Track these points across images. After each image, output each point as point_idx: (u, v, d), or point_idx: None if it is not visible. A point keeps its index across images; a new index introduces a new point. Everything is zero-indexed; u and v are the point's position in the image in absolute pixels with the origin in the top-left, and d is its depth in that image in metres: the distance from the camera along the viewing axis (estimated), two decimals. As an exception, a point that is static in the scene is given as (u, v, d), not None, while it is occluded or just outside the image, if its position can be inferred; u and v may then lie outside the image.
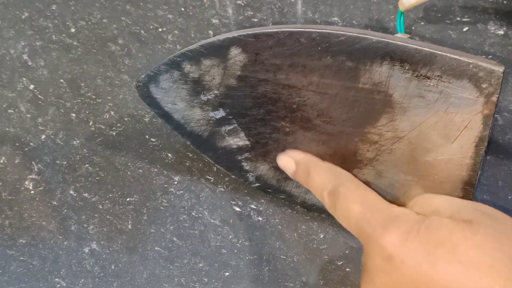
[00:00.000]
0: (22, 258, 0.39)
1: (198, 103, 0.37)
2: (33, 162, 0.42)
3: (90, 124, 0.43)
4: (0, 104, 0.45)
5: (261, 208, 0.40)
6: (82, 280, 0.38)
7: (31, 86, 0.45)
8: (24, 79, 0.45)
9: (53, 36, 0.47)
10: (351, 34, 0.33)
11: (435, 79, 0.32)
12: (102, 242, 0.39)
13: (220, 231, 0.39)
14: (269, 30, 0.34)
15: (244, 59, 0.35)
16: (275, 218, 0.40)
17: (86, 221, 0.40)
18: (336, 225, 0.39)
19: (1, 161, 0.43)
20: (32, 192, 0.41)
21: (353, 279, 0.37)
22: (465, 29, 0.44)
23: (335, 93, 0.34)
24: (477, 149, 0.33)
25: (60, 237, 0.40)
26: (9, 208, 0.41)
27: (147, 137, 0.43)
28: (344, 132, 0.35)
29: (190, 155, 0.42)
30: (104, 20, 0.47)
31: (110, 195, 0.41)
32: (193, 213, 0.40)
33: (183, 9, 0.47)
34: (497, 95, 0.31)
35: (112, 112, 0.44)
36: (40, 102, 0.44)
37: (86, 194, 0.41)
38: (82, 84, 0.45)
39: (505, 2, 0.44)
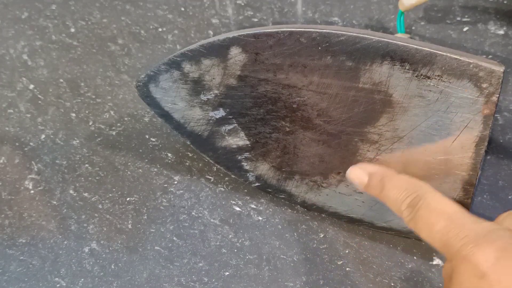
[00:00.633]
0: (22, 258, 0.39)
1: (198, 103, 0.37)
2: (32, 162, 0.42)
3: (90, 124, 0.43)
4: (0, 104, 0.45)
5: (261, 208, 0.40)
6: (82, 279, 0.38)
7: (31, 86, 0.45)
8: (24, 79, 0.45)
9: (53, 36, 0.47)
10: (351, 34, 0.33)
11: (436, 79, 0.32)
12: (102, 242, 0.39)
13: (220, 231, 0.39)
14: (269, 30, 0.34)
15: (244, 59, 0.35)
16: (275, 218, 0.40)
17: (86, 221, 0.40)
18: (336, 225, 0.39)
19: (1, 161, 0.43)
20: (32, 191, 0.41)
21: (353, 279, 0.37)
22: (465, 29, 0.44)
23: (335, 93, 0.34)
24: (477, 149, 0.33)
25: (60, 236, 0.40)
26: (9, 208, 0.41)
27: (147, 137, 0.43)
28: (344, 131, 0.35)
29: (190, 155, 0.42)
30: (104, 20, 0.47)
31: (110, 194, 0.41)
32: (193, 213, 0.40)
33: (183, 9, 0.47)
34: (497, 95, 0.31)
35: (112, 112, 0.44)
36: (40, 102, 0.44)
37: (86, 194, 0.41)
38: (82, 84, 0.45)
39: (505, 2, 0.44)
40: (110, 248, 0.39)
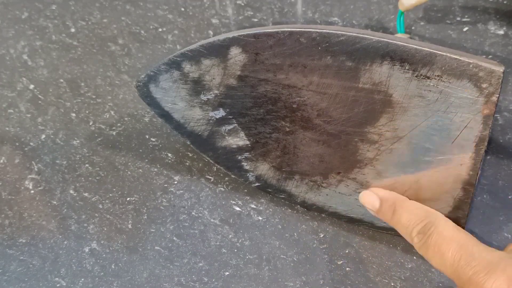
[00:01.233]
0: (22, 258, 0.39)
1: (198, 103, 0.37)
2: (33, 161, 0.42)
3: (90, 124, 0.43)
4: (0, 104, 0.45)
5: (261, 208, 0.40)
6: (82, 279, 0.38)
7: (31, 86, 0.45)
8: (24, 79, 0.45)
9: (53, 36, 0.47)
10: (351, 34, 0.33)
11: (435, 79, 0.32)
12: (102, 242, 0.39)
13: (220, 231, 0.39)
14: (269, 30, 0.34)
15: (244, 59, 0.35)
16: (275, 217, 0.40)
17: (86, 221, 0.40)
18: (336, 225, 0.39)
19: (1, 161, 0.43)
20: (32, 191, 0.41)
21: (353, 279, 0.37)
22: (465, 29, 0.44)
23: (335, 93, 0.34)
24: (477, 149, 0.33)
25: (60, 236, 0.40)
26: (9, 208, 0.41)
27: (147, 137, 0.43)
28: (344, 132, 0.35)
29: (190, 155, 0.42)
30: (104, 20, 0.47)
31: (110, 194, 0.41)
32: (193, 213, 0.40)
33: (183, 9, 0.47)
34: (497, 95, 0.31)
35: (112, 112, 0.44)
36: (40, 102, 0.44)
37: (86, 194, 0.41)
38: (82, 84, 0.45)
39: (505, 2, 0.44)
40: (110, 248, 0.39)
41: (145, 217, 0.40)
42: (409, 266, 0.37)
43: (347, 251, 0.38)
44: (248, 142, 0.38)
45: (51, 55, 0.46)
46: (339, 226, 0.39)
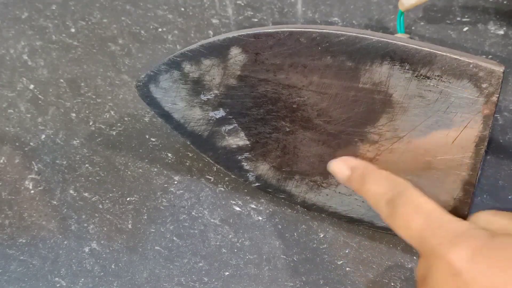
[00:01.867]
0: (22, 258, 0.39)
1: (198, 103, 0.37)
2: (33, 162, 0.42)
3: (90, 124, 0.43)
4: (0, 104, 0.45)
5: (261, 208, 0.40)
6: (82, 279, 0.38)
7: (31, 86, 0.45)
8: (24, 79, 0.45)
9: (53, 36, 0.47)
10: (351, 34, 0.33)
11: (435, 79, 0.32)
12: (102, 242, 0.39)
13: (220, 231, 0.39)
14: (269, 30, 0.34)
15: (244, 59, 0.35)
16: (275, 218, 0.40)
17: (86, 221, 0.40)
18: (336, 225, 0.39)
19: (1, 161, 0.43)
20: (32, 191, 0.41)
21: (353, 279, 0.37)
22: (465, 29, 0.44)
23: (335, 93, 0.34)
24: (477, 149, 0.33)
25: (60, 236, 0.40)
26: (9, 208, 0.41)
27: (147, 137, 0.43)
28: (344, 132, 0.35)
29: (190, 155, 0.42)
30: (104, 20, 0.47)
31: (110, 194, 0.41)
32: (193, 213, 0.40)
33: (183, 9, 0.47)
34: (497, 95, 0.31)
35: (112, 112, 0.44)
36: (40, 102, 0.44)
37: (86, 194, 0.41)
38: (82, 84, 0.45)
39: (505, 2, 0.44)
40: (110, 248, 0.39)
41: (145, 217, 0.40)
42: (409, 266, 0.37)
43: (347, 251, 0.38)
44: (248, 142, 0.38)
45: (51, 55, 0.46)
46: (339, 226, 0.39)
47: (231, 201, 0.40)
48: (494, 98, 0.31)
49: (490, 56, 0.43)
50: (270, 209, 0.40)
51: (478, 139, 0.33)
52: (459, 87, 0.32)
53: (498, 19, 0.44)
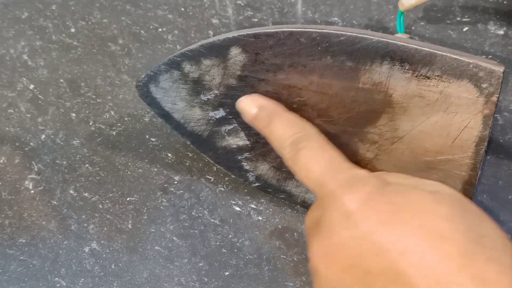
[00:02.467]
0: (22, 258, 0.39)
1: (198, 103, 0.37)
2: (33, 162, 0.42)
3: (90, 124, 0.43)
4: (0, 104, 0.45)
5: (261, 208, 0.40)
6: (82, 279, 0.38)
7: (31, 86, 0.45)
8: (24, 79, 0.45)
9: (53, 36, 0.47)
10: (351, 34, 0.33)
11: (435, 79, 0.32)
12: (102, 242, 0.39)
13: (220, 231, 0.39)
14: (269, 30, 0.34)
15: (244, 59, 0.35)
16: (275, 217, 0.40)
17: (86, 221, 0.40)
18: (336, 225, 0.39)
19: (1, 161, 0.43)
20: (32, 191, 0.41)
21: (353, 279, 0.37)
22: (465, 29, 0.44)
23: (335, 93, 0.34)
24: (477, 149, 0.33)
25: (60, 236, 0.40)
26: (9, 208, 0.41)
27: (147, 137, 0.43)
28: (344, 132, 0.35)
29: (190, 155, 0.42)
30: (104, 20, 0.47)
31: (110, 194, 0.41)
32: (193, 213, 0.40)
33: (183, 9, 0.47)
34: (497, 95, 0.31)
35: (112, 112, 0.44)
36: (40, 102, 0.44)
37: (86, 194, 0.41)
38: (82, 84, 0.45)
39: (505, 2, 0.44)
40: (110, 248, 0.39)
41: (145, 217, 0.40)
42: (409, 266, 0.37)
43: (347, 251, 0.38)
44: (248, 142, 0.38)
45: (51, 55, 0.46)
46: (339, 226, 0.39)
47: (231, 201, 0.40)
48: (494, 98, 0.31)
49: (490, 56, 0.43)
50: (270, 209, 0.40)
51: (478, 139, 0.33)
52: (459, 87, 0.32)
53: (498, 19, 0.44)
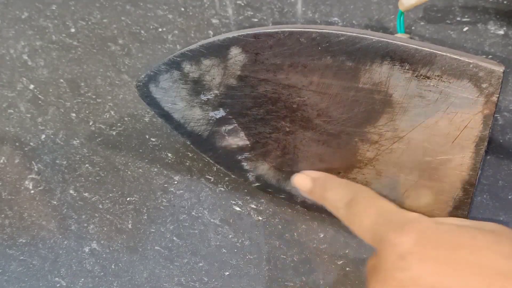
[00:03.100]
0: (22, 258, 0.39)
1: (198, 103, 0.37)
2: (33, 162, 0.42)
3: (90, 124, 0.43)
4: (0, 104, 0.45)
5: (261, 208, 0.40)
6: (82, 279, 0.38)
7: (31, 86, 0.45)
8: (24, 79, 0.45)
9: (53, 36, 0.47)
10: (351, 34, 0.33)
11: (435, 79, 0.32)
12: (102, 242, 0.39)
13: (220, 231, 0.39)
14: (269, 30, 0.34)
15: (244, 59, 0.35)
16: (275, 217, 0.40)
17: (86, 221, 0.40)
18: (336, 225, 0.39)
19: (1, 161, 0.43)
20: (32, 191, 0.41)
21: (353, 279, 0.37)
22: (465, 29, 0.44)
23: (335, 93, 0.34)
24: (477, 149, 0.33)
25: (60, 236, 0.40)
26: (9, 208, 0.41)
27: (147, 137, 0.43)
28: (344, 132, 0.35)
29: (190, 155, 0.42)
30: (104, 20, 0.47)
31: (110, 194, 0.41)
32: (193, 213, 0.40)
33: (183, 9, 0.47)
34: (497, 95, 0.31)
35: (112, 112, 0.44)
36: (40, 102, 0.44)
37: (86, 194, 0.41)
38: (82, 84, 0.45)
39: (505, 2, 0.44)
40: (111, 248, 0.39)
41: (145, 217, 0.40)
42: (409, 266, 0.37)
43: (347, 251, 0.38)
44: (248, 142, 0.38)
45: (51, 55, 0.46)
46: (339, 226, 0.39)
47: (231, 201, 0.40)
48: (494, 98, 0.31)
49: (490, 56, 0.43)
50: (270, 209, 0.40)
51: (478, 139, 0.33)
52: (459, 87, 0.32)
53: (498, 19, 0.44)
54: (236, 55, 0.35)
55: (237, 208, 0.40)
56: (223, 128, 0.38)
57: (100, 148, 0.43)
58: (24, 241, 0.40)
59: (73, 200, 0.41)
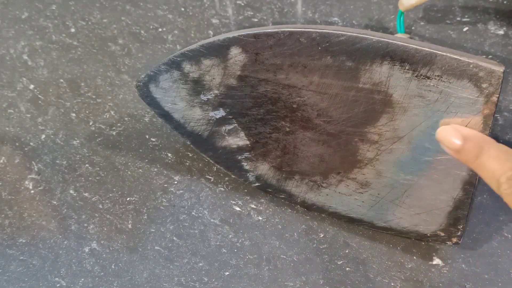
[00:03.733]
0: (22, 258, 0.39)
1: (198, 103, 0.37)
2: (33, 162, 0.42)
3: (90, 124, 0.43)
4: (0, 104, 0.45)
5: (261, 208, 0.40)
6: (82, 279, 0.38)
7: (31, 86, 0.45)
8: (24, 79, 0.45)
9: (53, 36, 0.47)
10: (351, 34, 0.33)
11: (435, 79, 0.32)
12: (102, 242, 0.39)
13: (220, 231, 0.39)
14: (269, 30, 0.34)
15: (244, 59, 0.35)
16: (275, 217, 0.40)
17: (86, 221, 0.40)
18: (336, 225, 0.39)
19: (1, 161, 0.43)
20: (32, 191, 0.41)
21: (353, 279, 0.37)
22: (465, 29, 0.44)
23: (335, 93, 0.34)
24: (477, 149, 0.33)
25: (60, 236, 0.40)
26: (9, 208, 0.41)
27: (147, 137, 0.43)
28: (344, 132, 0.35)
29: (190, 155, 0.42)
30: (104, 20, 0.47)
31: (110, 194, 0.41)
32: (193, 213, 0.40)
33: (183, 9, 0.47)
34: (497, 95, 0.31)
35: (112, 112, 0.44)
36: (40, 102, 0.44)
37: (86, 194, 0.41)
38: (82, 84, 0.45)
39: (505, 2, 0.44)
40: (110, 248, 0.39)
41: (145, 217, 0.40)
42: (409, 266, 0.37)
43: (347, 251, 0.38)
44: (248, 142, 0.38)
45: (51, 55, 0.46)
46: (339, 226, 0.39)
47: (231, 201, 0.40)
48: (494, 98, 0.31)
49: (490, 56, 0.43)
50: (270, 209, 0.40)
51: (478, 139, 0.33)
52: (459, 87, 0.32)
53: (498, 19, 0.44)
54: (236, 55, 0.35)
55: (237, 208, 0.40)
56: (223, 128, 0.38)
57: (100, 148, 0.43)
58: (24, 241, 0.40)
59: (73, 200, 0.41)
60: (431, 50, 0.32)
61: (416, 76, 0.32)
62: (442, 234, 0.36)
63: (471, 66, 0.31)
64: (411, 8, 0.40)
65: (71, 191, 0.41)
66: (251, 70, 0.35)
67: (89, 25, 0.47)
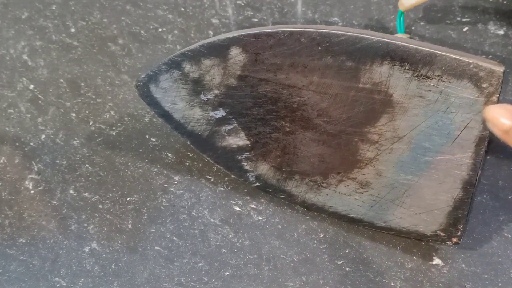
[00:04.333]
0: (22, 258, 0.39)
1: (198, 103, 0.37)
2: (33, 161, 0.42)
3: (90, 123, 0.43)
4: (0, 104, 0.45)
5: (261, 208, 0.40)
6: (82, 279, 0.38)
7: (31, 86, 0.45)
8: (24, 79, 0.45)
9: (53, 36, 0.47)
10: (351, 34, 0.33)
11: (435, 79, 0.32)
12: (102, 242, 0.39)
13: (220, 231, 0.39)
14: (270, 30, 0.34)
15: (244, 59, 0.35)
16: (275, 217, 0.40)
17: (86, 221, 0.40)
18: (336, 225, 0.39)
19: (1, 161, 0.43)
20: (32, 191, 0.41)
21: (353, 279, 0.37)
22: (465, 29, 0.44)
23: (336, 93, 0.34)
24: (477, 149, 0.33)
25: (60, 236, 0.40)
26: (9, 208, 0.41)
27: (147, 137, 0.43)
28: (345, 131, 0.35)
29: (190, 155, 0.42)
30: (104, 20, 0.47)
31: (110, 194, 0.41)
32: (193, 213, 0.40)
33: (183, 9, 0.47)
34: (497, 95, 0.31)
35: (112, 112, 0.44)
36: (40, 102, 0.44)
37: (86, 194, 0.41)
38: (82, 84, 0.45)
39: (505, 2, 0.44)
40: (110, 248, 0.39)
41: (145, 217, 0.40)
42: (409, 266, 0.37)
43: (347, 251, 0.38)
44: (248, 142, 0.38)
45: (51, 55, 0.46)
46: (339, 226, 0.39)
47: (231, 201, 0.40)
48: (494, 98, 0.31)
49: (490, 56, 0.43)
50: (270, 209, 0.40)
51: (478, 139, 0.33)
52: (459, 87, 0.32)
53: (498, 19, 0.44)
54: (236, 55, 0.35)
55: (237, 208, 0.40)
56: (223, 128, 0.38)
57: (100, 148, 0.43)
58: (24, 241, 0.40)
59: (73, 200, 0.41)
60: (431, 50, 0.32)
61: (416, 76, 0.32)
62: (442, 234, 0.36)
63: (471, 66, 0.31)
64: (411, 8, 0.40)
65: (71, 191, 0.41)
66: (251, 70, 0.35)
67: (89, 25, 0.47)
